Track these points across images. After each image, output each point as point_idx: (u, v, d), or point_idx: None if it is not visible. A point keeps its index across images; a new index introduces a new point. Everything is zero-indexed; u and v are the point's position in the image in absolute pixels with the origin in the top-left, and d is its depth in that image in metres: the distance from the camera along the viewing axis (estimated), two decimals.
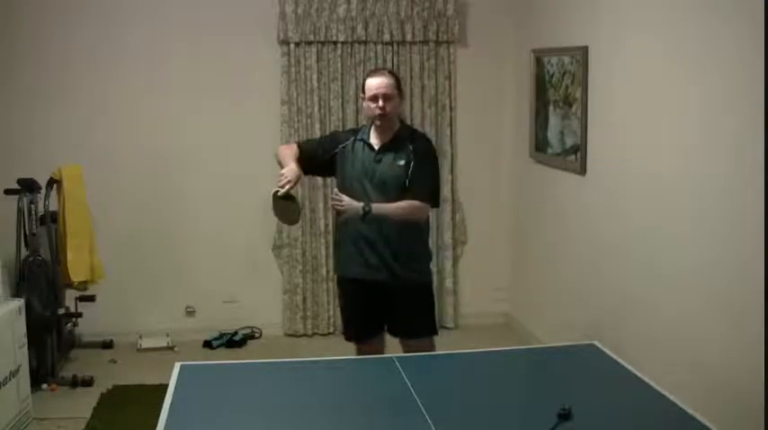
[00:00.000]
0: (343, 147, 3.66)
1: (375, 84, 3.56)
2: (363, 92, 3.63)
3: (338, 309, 5.55)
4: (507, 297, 5.84)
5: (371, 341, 3.73)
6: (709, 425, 2.42)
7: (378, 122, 3.59)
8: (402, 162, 3.56)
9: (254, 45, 5.40)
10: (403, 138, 3.64)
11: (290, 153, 3.63)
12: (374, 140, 3.64)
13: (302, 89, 5.43)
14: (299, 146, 3.74)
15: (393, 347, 3.74)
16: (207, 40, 5.36)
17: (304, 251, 5.56)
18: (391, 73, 3.70)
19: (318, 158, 3.68)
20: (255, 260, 5.58)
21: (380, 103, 3.53)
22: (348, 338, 3.85)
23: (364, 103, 3.66)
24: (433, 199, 3.67)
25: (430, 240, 3.97)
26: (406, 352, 3.59)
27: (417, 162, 3.56)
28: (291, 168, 3.51)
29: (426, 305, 3.79)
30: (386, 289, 3.62)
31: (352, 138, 3.69)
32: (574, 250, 4.70)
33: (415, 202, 3.52)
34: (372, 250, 3.59)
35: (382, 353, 3.64)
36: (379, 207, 3.47)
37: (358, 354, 3.76)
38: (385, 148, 3.60)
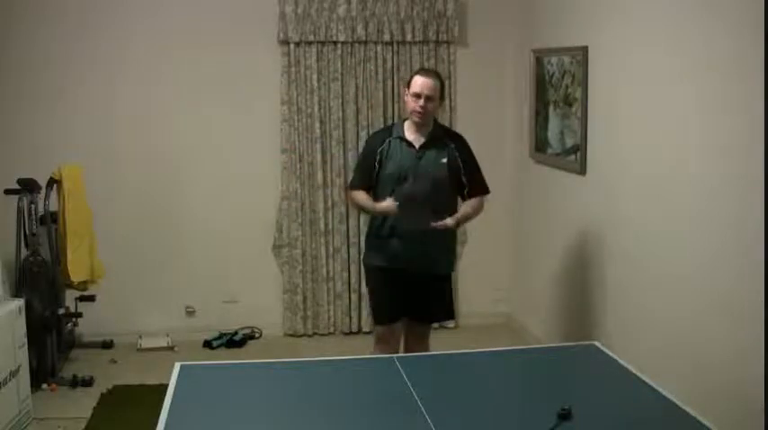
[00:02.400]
0: (381, 150, 3.88)
1: (420, 82, 3.80)
2: (408, 86, 3.84)
3: (338, 309, 5.60)
4: (507, 297, 5.84)
5: (396, 325, 3.95)
6: (710, 425, 2.42)
7: (415, 119, 3.82)
8: (444, 160, 3.84)
9: (254, 45, 5.40)
10: (440, 136, 3.91)
11: (362, 197, 3.94)
12: (411, 137, 3.87)
13: (302, 89, 5.43)
14: (362, 186, 3.96)
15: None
16: (207, 40, 5.36)
17: (304, 251, 5.56)
18: (439, 77, 3.92)
19: (375, 171, 3.90)
20: (255, 260, 5.58)
21: (422, 101, 3.77)
22: (380, 322, 4.01)
23: (406, 97, 3.87)
24: (488, 189, 4.05)
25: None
26: (414, 334, 3.97)
27: (465, 160, 3.90)
28: (382, 205, 3.80)
29: (450, 292, 4.11)
30: (421, 278, 3.87)
31: (388, 139, 3.90)
32: (574, 250, 4.70)
33: (481, 199, 3.98)
34: (418, 244, 3.81)
35: (399, 339, 3.95)
36: (467, 214, 3.92)
37: (380, 339, 3.96)
38: (426, 146, 3.84)
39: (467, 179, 3.90)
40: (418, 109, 3.78)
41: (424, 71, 3.96)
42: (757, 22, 2.88)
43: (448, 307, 4.11)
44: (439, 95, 3.84)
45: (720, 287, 3.25)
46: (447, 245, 4.00)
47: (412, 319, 3.98)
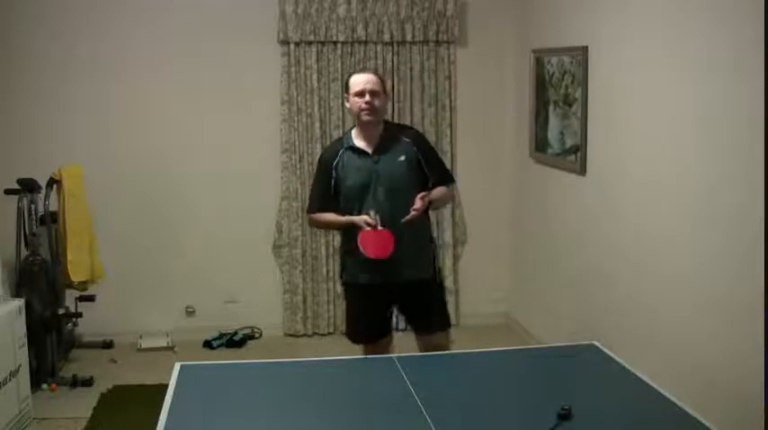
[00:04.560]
0: (336, 164, 3.64)
1: (362, 79, 3.59)
2: (347, 91, 3.64)
3: (338, 308, 5.59)
4: (507, 297, 5.84)
5: (381, 342, 3.73)
6: (710, 425, 2.43)
7: (365, 117, 3.57)
8: (402, 157, 3.61)
9: (254, 45, 5.40)
10: (392, 135, 3.67)
11: (330, 216, 3.66)
12: (362, 144, 3.63)
13: (302, 89, 5.43)
14: (324, 207, 3.70)
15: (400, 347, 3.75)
16: (207, 40, 5.36)
17: (304, 251, 5.56)
18: (376, 72, 3.76)
19: (333, 189, 3.67)
20: (255, 260, 5.58)
21: (368, 97, 3.54)
22: (357, 341, 3.82)
23: (348, 103, 3.66)
24: (452, 178, 3.89)
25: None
26: (425, 346, 3.66)
27: (424, 152, 3.69)
28: (358, 218, 3.53)
29: (441, 299, 3.86)
30: (400, 289, 3.66)
31: (339, 150, 3.67)
32: (573, 250, 4.70)
33: (449, 188, 3.79)
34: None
35: (389, 353, 3.67)
36: (436, 197, 3.63)
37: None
38: (380, 150, 3.62)
39: (429, 171, 3.66)
40: (364, 106, 3.53)
41: (358, 70, 3.86)
42: (757, 22, 2.88)
43: (442, 314, 3.82)
44: (383, 91, 3.61)
45: (720, 287, 3.25)
46: (418, 244, 3.68)
47: (424, 333, 3.72)
